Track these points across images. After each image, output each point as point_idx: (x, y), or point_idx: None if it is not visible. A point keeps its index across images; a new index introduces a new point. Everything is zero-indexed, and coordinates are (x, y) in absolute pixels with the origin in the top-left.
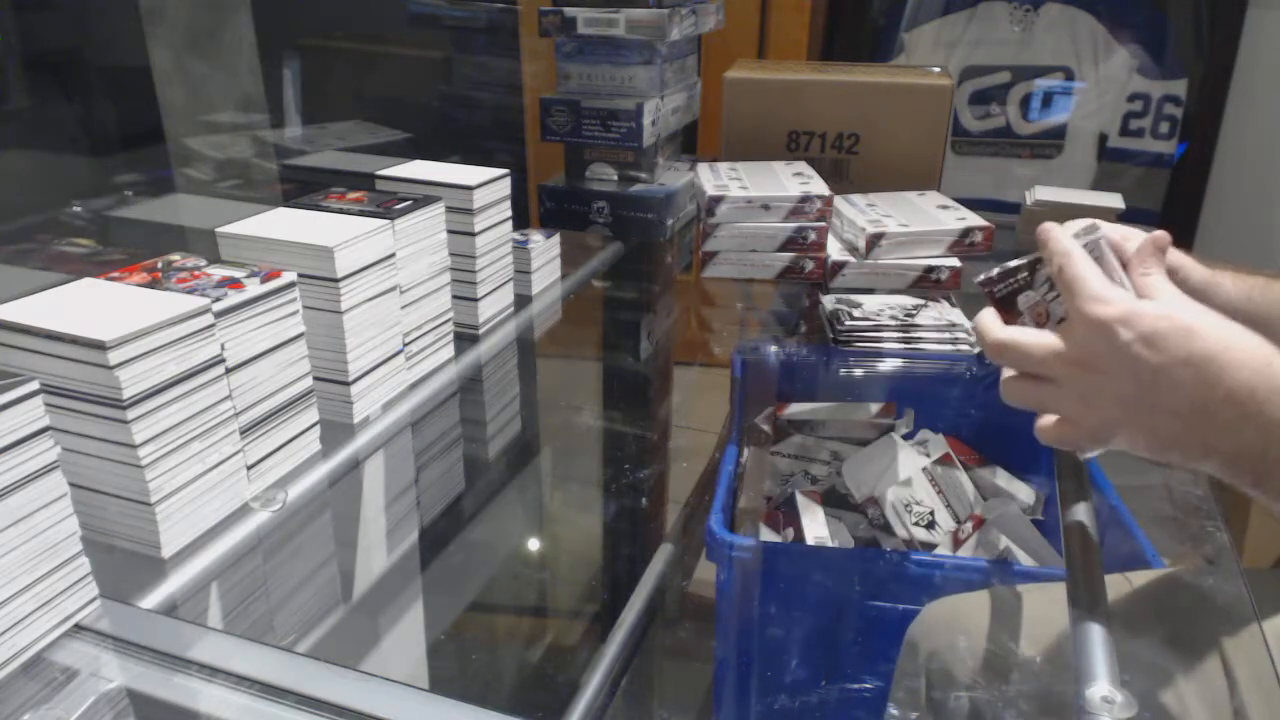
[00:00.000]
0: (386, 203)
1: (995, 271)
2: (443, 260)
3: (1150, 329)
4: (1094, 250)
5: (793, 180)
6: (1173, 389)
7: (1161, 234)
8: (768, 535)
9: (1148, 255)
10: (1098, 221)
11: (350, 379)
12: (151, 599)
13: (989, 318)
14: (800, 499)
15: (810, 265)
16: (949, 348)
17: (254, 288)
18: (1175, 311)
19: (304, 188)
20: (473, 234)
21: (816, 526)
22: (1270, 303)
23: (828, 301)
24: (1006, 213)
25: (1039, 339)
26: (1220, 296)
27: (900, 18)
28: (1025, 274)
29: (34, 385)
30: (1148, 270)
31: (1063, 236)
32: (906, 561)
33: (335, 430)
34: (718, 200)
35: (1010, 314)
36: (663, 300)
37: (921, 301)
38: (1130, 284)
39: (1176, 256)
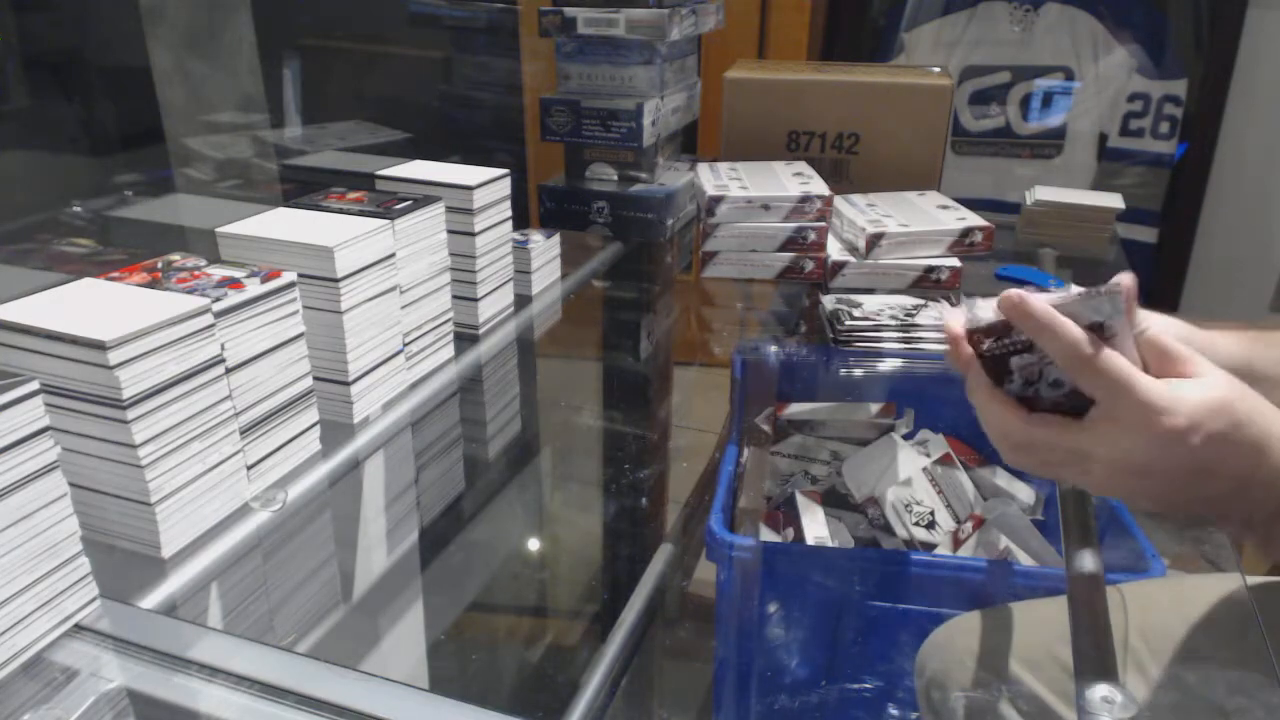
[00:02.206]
0: (386, 203)
1: (984, 325)
2: (443, 260)
3: (1215, 431)
4: (1112, 325)
5: (793, 180)
6: (1212, 480)
7: (1129, 281)
8: (768, 535)
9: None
10: (1118, 286)
11: (350, 379)
12: (151, 599)
13: (1004, 412)
14: (800, 499)
15: (810, 265)
16: (949, 347)
17: (254, 288)
18: (1226, 403)
19: (304, 188)
20: (473, 234)
21: (816, 526)
22: (1271, 362)
23: (828, 301)
24: (1006, 213)
25: (1084, 444)
26: (1218, 359)
27: (900, 18)
28: (1024, 338)
29: (34, 385)
30: (1140, 329)
31: (1079, 336)
32: (906, 561)
33: (335, 430)
34: (718, 200)
35: (997, 372)
36: (663, 300)
37: (921, 301)
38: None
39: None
